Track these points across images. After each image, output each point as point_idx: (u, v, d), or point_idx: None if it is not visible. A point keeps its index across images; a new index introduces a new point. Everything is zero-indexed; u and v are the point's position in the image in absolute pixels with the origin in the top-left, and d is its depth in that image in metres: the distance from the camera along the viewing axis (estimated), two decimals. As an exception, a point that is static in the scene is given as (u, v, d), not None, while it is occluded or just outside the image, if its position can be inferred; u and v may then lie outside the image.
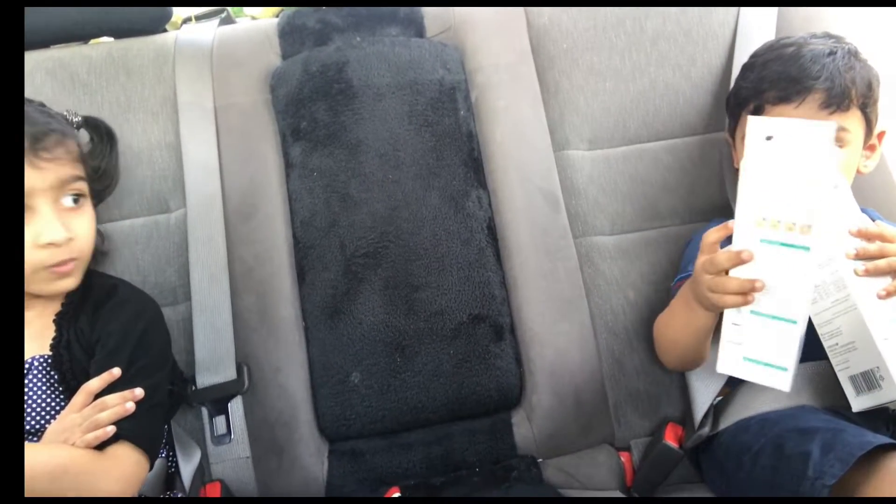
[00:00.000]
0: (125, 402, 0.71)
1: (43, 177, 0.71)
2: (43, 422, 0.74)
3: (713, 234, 0.69)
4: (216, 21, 1.11)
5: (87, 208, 0.77)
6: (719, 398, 0.83)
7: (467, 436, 0.90)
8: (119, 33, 1.06)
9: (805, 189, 0.60)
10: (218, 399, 0.88)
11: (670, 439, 0.87)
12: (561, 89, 1.01)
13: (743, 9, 1.02)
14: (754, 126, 0.62)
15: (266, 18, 1.28)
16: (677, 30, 1.03)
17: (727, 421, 0.80)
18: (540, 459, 0.89)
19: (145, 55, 1.01)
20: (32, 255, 0.71)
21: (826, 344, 0.71)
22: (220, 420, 0.87)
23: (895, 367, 0.67)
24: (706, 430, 0.82)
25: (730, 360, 0.68)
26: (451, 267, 0.92)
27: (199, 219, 0.93)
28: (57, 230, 0.71)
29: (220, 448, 0.87)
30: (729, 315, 0.68)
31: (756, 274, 0.64)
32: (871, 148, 0.85)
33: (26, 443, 0.70)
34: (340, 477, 0.88)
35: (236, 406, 0.88)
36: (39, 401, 0.74)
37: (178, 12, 1.17)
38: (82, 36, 1.07)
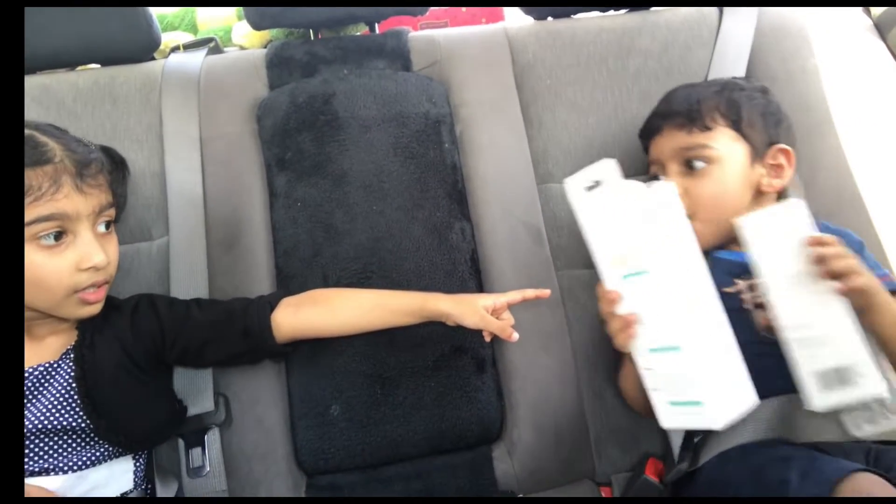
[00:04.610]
0: None
1: (87, 202, 0.73)
2: (59, 418, 0.73)
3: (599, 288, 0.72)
4: (204, 50, 1.11)
5: (114, 234, 0.80)
6: (699, 437, 0.83)
7: (447, 470, 0.89)
8: (106, 61, 1.06)
9: (625, 218, 0.65)
10: (195, 430, 0.86)
11: (651, 474, 0.86)
12: (544, 124, 1.03)
13: (717, 50, 1.05)
14: (570, 183, 0.70)
15: (254, 49, 1.30)
16: (658, 68, 1.05)
17: (707, 455, 0.80)
18: (520, 495, 0.89)
19: (132, 83, 1.02)
20: (72, 279, 0.72)
21: (791, 335, 0.69)
22: (196, 452, 0.86)
23: (871, 365, 0.65)
24: (685, 464, 0.82)
25: (662, 411, 0.68)
26: (434, 299, 0.92)
27: (182, 247, 0.93)
28: (99, 254, 0.73)
29: (195, 481, 0.85)
30: (638, 361, 0.68)
31: (632, 309, 0.66)
32: (778, 168, 0.87)
33: None
34: (318, 512, 0.87)
35: (213, 438, 0.87)
36: (54, 400, 0.74)
37: (167, 40, 1.18)
38: (69, 63, 1.07)
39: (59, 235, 0.71)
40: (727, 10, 1.08)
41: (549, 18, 1.12)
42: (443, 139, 0.99)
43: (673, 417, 0.67)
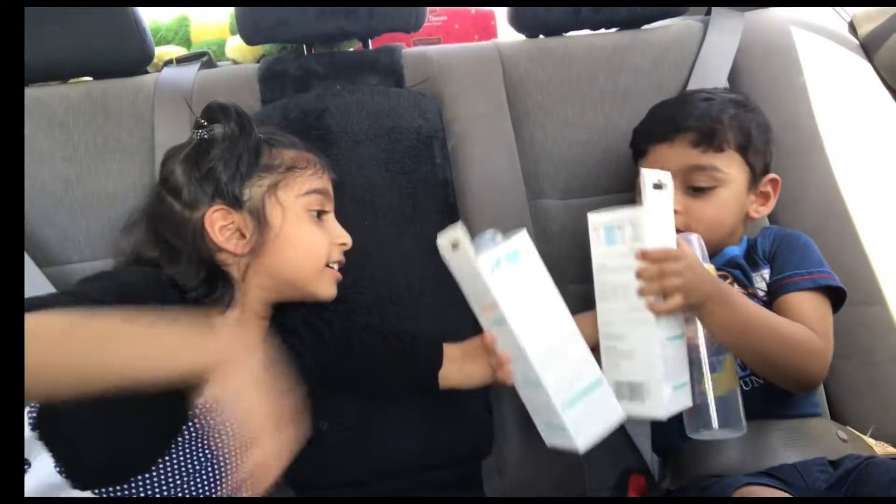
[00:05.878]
0: None
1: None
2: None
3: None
4: (197, 64, 1.11)
5: None
6: (674, 455, 0.83)
7: (437, 486, 0.89)
8: (99, 73, 1.07)
9: (478, 276, 0.69)
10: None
11: (633, 492, 0.86)
12: (535, 140, 1.04)
13: (698, 63, 1.07)
14: (440, 241, 0.73)
15: (247, 63, 1.30)
16: (648, 85, 1.06)
17: (687, 474, 0.79)
18: (510, 512, 0.88)
19: (124, 96, 1.02)
20: (330, 250, 0.80)
21: (603, 343, 0.73)
22: (183, 468, 0.85)
23: (663, 389, 0.69)
24: (666, 482, 0.82)
25: (543, 432, 0.73)
26: (425, 313, 0.92)
27: (172, 261, 0.92)
28: (347, 235, 0.83)
29: (182, 497, 0.84)
30: (519, 392, 0.74)
31: (503, 349, 0.73)
32: (765, 196, 0.88)
33: None
34: (306, 528, 0.86)
35: (201, 454, 0.86)
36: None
37: (160, 53, 1.18)
38: (62, 75, 1.07)
39: (319, 214, 0.80)
40: (712, 24, 1.10)
41: (541, 36, 1.13)
42: (435, 155, 1.00)
43: (551, 439, 0.73)
